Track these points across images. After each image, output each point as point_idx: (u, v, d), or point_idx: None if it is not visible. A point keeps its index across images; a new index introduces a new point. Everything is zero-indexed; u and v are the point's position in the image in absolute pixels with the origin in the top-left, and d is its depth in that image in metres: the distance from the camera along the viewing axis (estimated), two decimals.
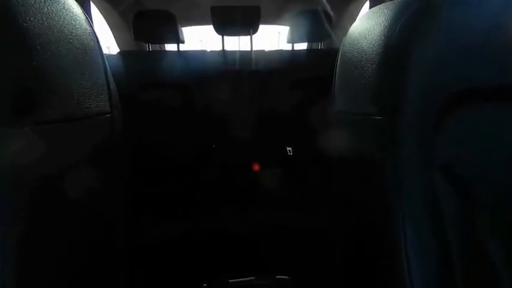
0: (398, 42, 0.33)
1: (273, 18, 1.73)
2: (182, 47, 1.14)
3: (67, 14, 0.36)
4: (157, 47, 1.47)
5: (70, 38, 0.36)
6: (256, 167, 1.05)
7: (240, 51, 1.17)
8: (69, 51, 0.35)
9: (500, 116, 0.34)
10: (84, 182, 0.41)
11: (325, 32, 1.10)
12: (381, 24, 0.36)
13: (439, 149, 0.33)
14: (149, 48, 1.20)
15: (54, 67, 0.32)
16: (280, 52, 1.16)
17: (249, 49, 1.17)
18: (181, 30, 1.16)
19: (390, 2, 0.38)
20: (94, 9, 1.39)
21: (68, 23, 0.36)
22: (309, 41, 1.27)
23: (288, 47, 1.24)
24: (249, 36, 1.19)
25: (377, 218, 0.40)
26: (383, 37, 0.35)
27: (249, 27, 1.14)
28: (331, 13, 1.16)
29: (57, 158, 0.34)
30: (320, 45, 1.23)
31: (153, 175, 1.02)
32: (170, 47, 1.46)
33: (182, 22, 1.64)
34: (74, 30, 0.37)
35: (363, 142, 0.42)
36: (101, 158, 0.47)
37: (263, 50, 1.17)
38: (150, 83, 1.05)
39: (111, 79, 0.49)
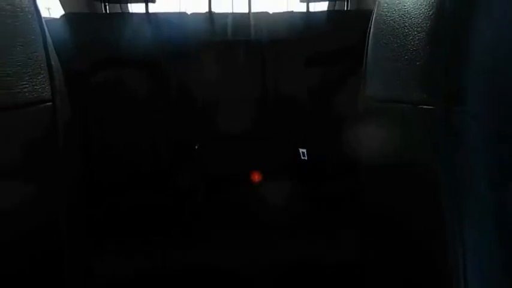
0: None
1: None
2: (153, 8, 1.13)
3: None
4: (117, 7, 1.42)
5: None
6: (255, 177, 1.01)
7: (233, 13, 1.15)
8: None
9: None
10: (12, 198, 0.40)
11: None
12: None
13: None
14: (106, 10, 1.17)
15: None
16: (290, 15, 1.13)
17: (247, 11, 1.14)
18: None
19: None
20: None
21: None
22: None
23: (301, 7, 1.20)
24: None
25: (428, 241, 0.39)
26: None
27: None
28: None
29: None
30: (346, 5, 1.18)
31: (110, 187, 0.97)
32: (136, 7, 1.43)
33: None
34: None
35: (408, 140, 0.42)
36: (37, 162, 0.46)
37: (266, 12, 1.14)
38: (108, 58, 1.01)
39: (52, 53, 0.49)
